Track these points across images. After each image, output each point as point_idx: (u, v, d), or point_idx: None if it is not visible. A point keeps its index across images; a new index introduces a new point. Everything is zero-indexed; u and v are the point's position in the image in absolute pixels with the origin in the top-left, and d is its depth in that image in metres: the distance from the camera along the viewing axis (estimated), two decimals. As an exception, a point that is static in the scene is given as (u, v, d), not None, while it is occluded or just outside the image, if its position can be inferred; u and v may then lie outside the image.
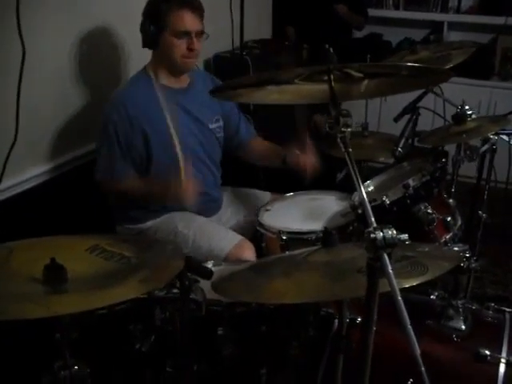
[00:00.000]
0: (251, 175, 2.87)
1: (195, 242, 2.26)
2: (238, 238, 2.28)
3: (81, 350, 1.38)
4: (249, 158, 2.60)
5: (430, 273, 1.30)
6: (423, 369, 1.05)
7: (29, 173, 2.32)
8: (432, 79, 1.50)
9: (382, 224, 1.09)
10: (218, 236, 2.28)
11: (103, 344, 1.63)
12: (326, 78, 1.24)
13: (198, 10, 2.20)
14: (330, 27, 4.22)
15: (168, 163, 2.19)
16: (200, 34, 2.22)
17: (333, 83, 1.23)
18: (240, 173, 2.69)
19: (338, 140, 1.19)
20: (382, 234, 1.07)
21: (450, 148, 2.37)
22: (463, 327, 1.82)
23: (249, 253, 2.22)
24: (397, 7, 4.78)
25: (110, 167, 2.22)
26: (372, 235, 1.07)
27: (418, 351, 1.00)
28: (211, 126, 2.42)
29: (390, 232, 1.07)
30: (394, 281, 1.05)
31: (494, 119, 2.11)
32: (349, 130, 1.19)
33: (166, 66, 2.26)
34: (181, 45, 2.18)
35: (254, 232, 2.28)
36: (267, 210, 2.26)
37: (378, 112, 4.27)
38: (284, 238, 2.04)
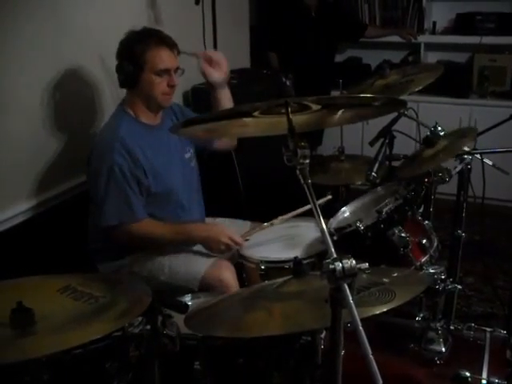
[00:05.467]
0: (233, 205, 2.86)
1: (171, 267, 2.26)
2: (214, 258, 2.29)
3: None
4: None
5: (397, 299, 1.31)
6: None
7: (8, 213, 2.29)
8: (393, 106, 1.52)
9: (342, 254, 1.10)
10: (193, 258, 2.29)
11: (79, 384, 1.62)
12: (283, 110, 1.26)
13: (175, 47, 2.26)
14: (312, 53, 4.28)
15: (163, 194, 2.29)
16: (177, 70, 2.27)
17: (290, 116, 1.24)
18: (222, 203, 2.69)
19: (297, 172, 1.20)
20: (340, 264, 1.07)
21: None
22: (443, 350, 1.82)
23: (227, 272, 2.22)
24: (374, 31, 4.82)
25: (127, 209, 2.18)
26: (331, 266, 1.07)
27: (380, 381, 1.00)
28: (186, 157, 2.45)
29: (349, 262, 1.08)
30: (355, 311, 1.05)
31: (462, 133, 2.11)
32: (307, 161, 1.20)
33: (145, 103, 2.29)
34: (161, 82, 2.22)
35: (236, 262, 2.28)
36: (246, 240, 2.27)
37: (360, 135, 4.30)
38: (263, 267, 2.04)
